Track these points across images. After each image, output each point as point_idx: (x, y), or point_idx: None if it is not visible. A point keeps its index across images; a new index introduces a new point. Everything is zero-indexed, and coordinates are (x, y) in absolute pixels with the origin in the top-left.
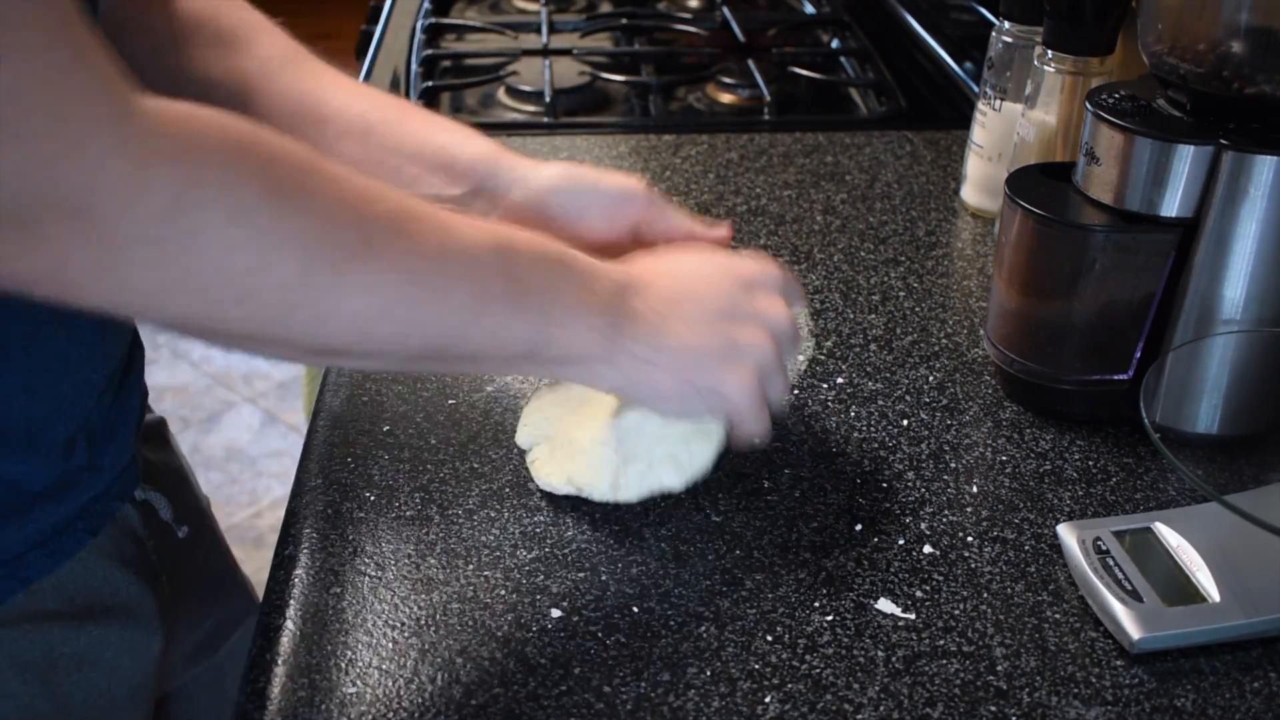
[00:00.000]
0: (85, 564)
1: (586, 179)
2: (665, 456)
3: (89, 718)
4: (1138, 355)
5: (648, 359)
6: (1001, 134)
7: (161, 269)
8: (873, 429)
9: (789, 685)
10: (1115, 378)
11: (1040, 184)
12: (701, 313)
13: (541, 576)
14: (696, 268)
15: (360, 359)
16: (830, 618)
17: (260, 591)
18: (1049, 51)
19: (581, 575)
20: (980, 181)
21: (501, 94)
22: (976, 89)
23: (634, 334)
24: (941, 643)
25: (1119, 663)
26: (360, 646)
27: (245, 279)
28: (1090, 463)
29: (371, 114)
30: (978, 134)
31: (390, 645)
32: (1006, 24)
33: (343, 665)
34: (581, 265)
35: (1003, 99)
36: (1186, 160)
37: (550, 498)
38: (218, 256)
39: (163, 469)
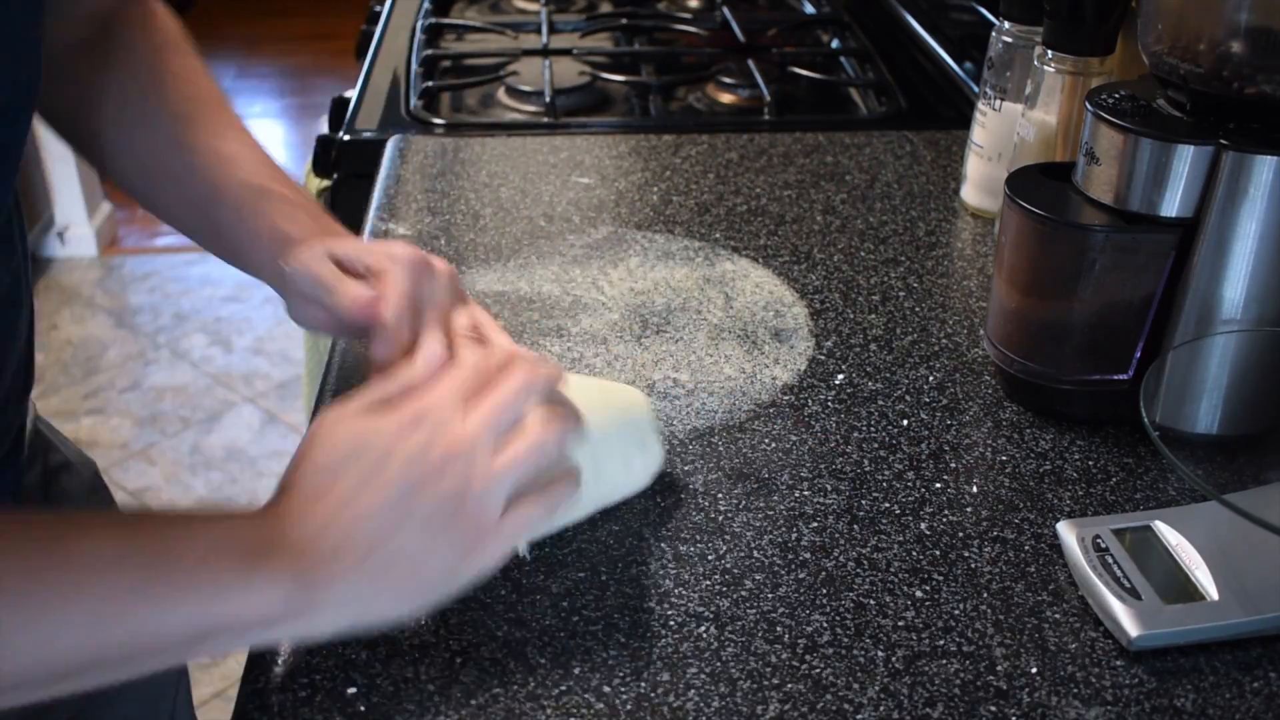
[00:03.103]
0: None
1: (325, 285)
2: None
3: None
4: (1138, 355)
5: (357, 590)
6: (1001, 134)
7: None
8: (873, 429)
9: (789, 685)
10: (1115, 378)
11: (1040, 184)
12: (390, 502)
13: (541, 576)
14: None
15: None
16: (830, 618)
17: None
18: (1049, 51)
19: (581, 575)
20: (980, 181)
21: (501, 94)
22: (976, 89)
23: (328, 573)
24: (941, 643)
25: (1119, 662)
26: (360, 646)
27: None
28: (1090, 463)
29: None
30: (978, 134)
31: (391, 645)
32: (1006, 24)
33: (343, 665)
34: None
35: (1003, 99)
36: (1186, 160)
37: None
38: None
39: (47, 484)
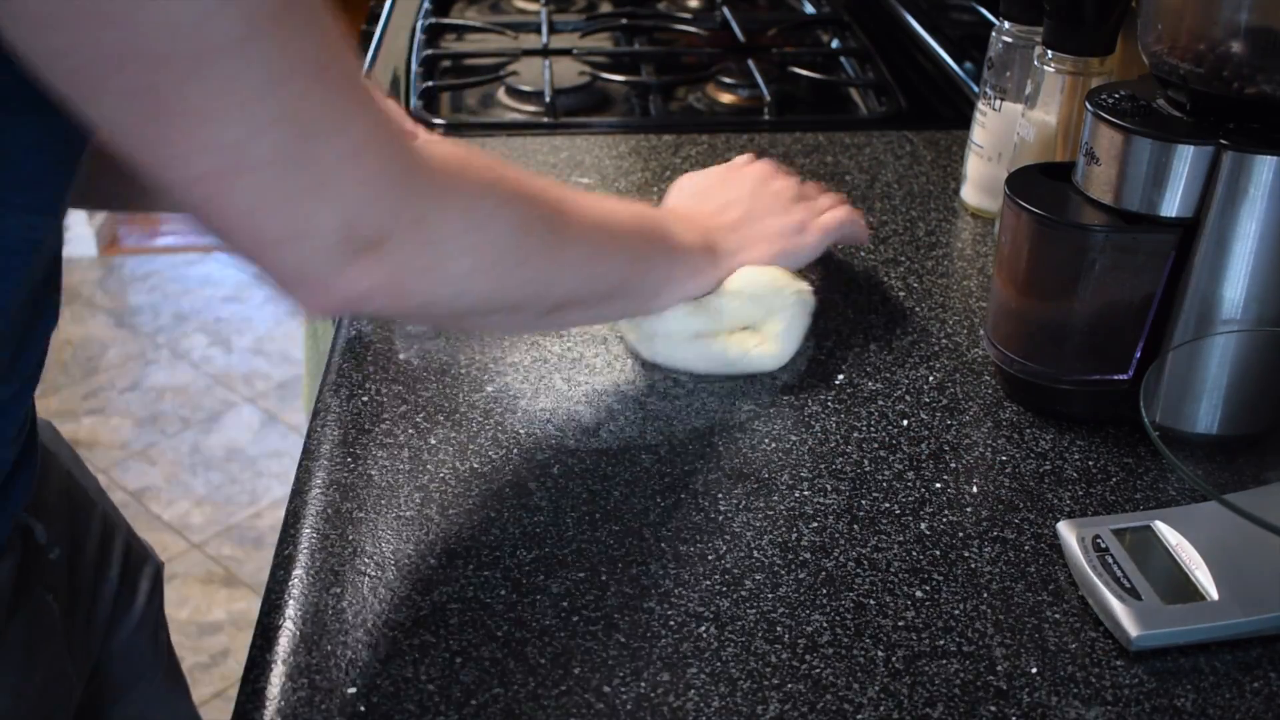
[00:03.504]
0: None
1: None
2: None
3: None
4: (1137, 355)
5: (736, 248)
6: (1001, 134)
7: (469, 255)
8: (873, 429)
9: (789, 685)
10: (1115, 378)
11: (1040, 184)
12: (764, 212)
13: (541, 576)
14: (749, 191)
15: (571, 311)
16: (830, 618)
17: (158, 543)
18: (1049, 51)
19: (581, 575)
20: (980, 181)
21: (501, 94)
22: (976, 89)
23: (724, 248)
24: (941, 643)
25: (1119, 662)
26: (360, 646)
27: (517, 253)
28: (1090, 463)
29: None
30: (978, 134)
31: (390, 645)
32: (1006, 24)
33: (343, 665)
34: (672, 232)
35: (1003, 99)
36: (1186, 160)
37: (550, 497)
38: (501, 233)
39: (44, 479)
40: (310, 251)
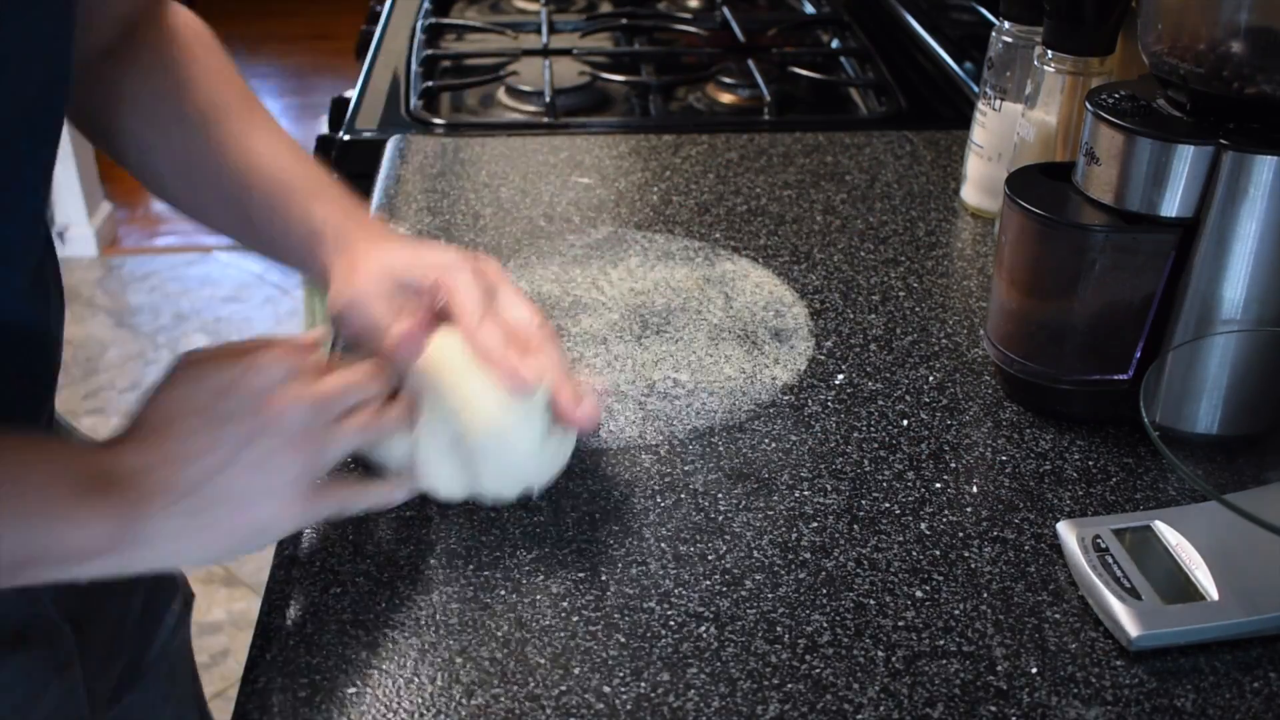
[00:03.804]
0: (2, 594)
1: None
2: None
3: None
4: (1137, 355)
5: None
6: (1001, 134)
7: None
8: (873, 429)
9: (789, 685)
10: (1115, 378)
11: (1040, 184)
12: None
13: (541, 576)
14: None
15: None
16: (830, 618)
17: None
18: (1049, 51)
19: (581, 575)
20: (980, 181)
21: (501, 94)
22: (976, 89)
23: (150, 508)
24: (941, 643)
25: (1119, 662)
26: (360, 646)
27: None
28: (1090, 463)
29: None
30: (978, 134)
31: (390, 645)
32: (1007, 24)
33: (343, 665)
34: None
35: (1003, 99)
36: (1186, 160)
37: (550, 497)
38: None
39: None
40: None
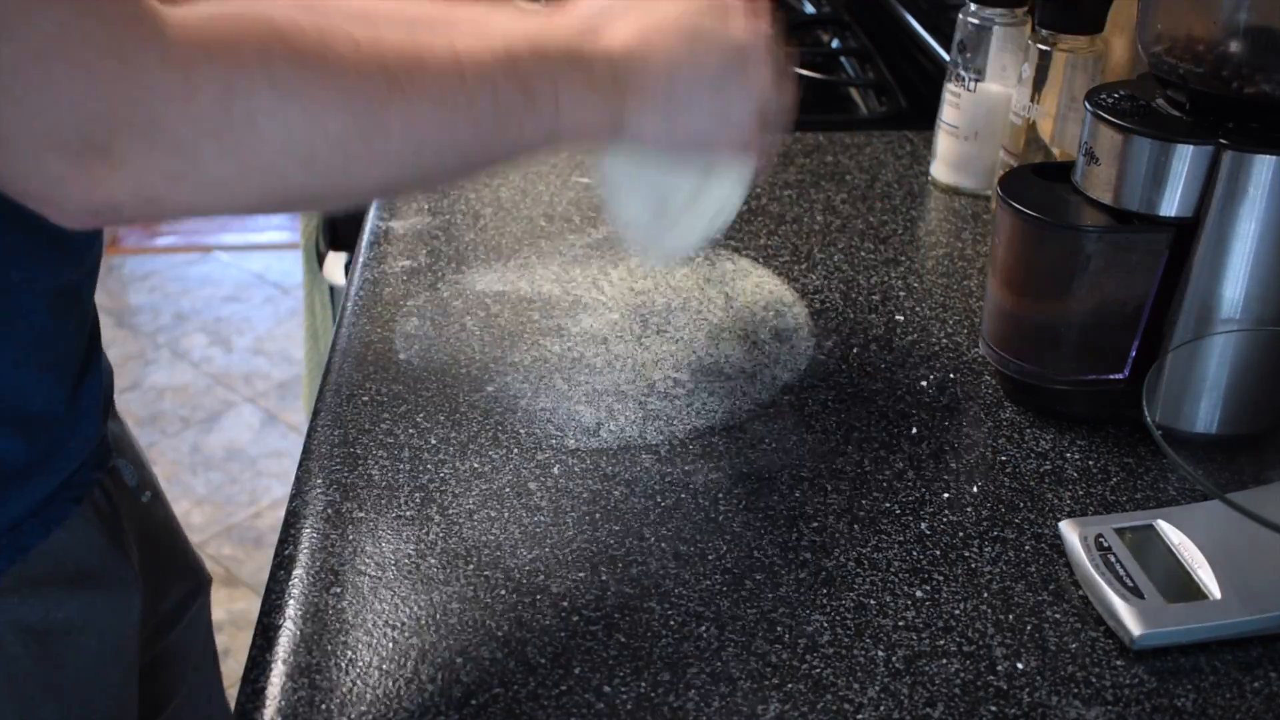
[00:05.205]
0: (71, 531)
1: None
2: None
3: (83, 680)
4: (1133, 355)
5: (655, 122)
6: (976, 114)
7: (231, 157)
8: (873, 429)
9: (789, 685)
10: (1110, 377)
11: (1033, 185)
12: (699, 75)
13: (541, 576)
14: (685, 22)
15: (414, 187)
16: (830, 618)
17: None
18: (1041, 30)
19: (581, 575)
20: (953, 160)
21: None
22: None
23: (639, 107)
24: (941, 643)
25: (1119, 662)
26: (360, 646)
27: (304, 145)
28: (1090, 462)
29: None
30: (949, 114)
31: (390, 645)
32: (973, 5)
33: (343, 665)
34: (580, 55)
35: (978, 80)
36: (1186, 160)
37: (550, 497)
38: (276, 130)
39: (120, 439)
40: (16, 161)
